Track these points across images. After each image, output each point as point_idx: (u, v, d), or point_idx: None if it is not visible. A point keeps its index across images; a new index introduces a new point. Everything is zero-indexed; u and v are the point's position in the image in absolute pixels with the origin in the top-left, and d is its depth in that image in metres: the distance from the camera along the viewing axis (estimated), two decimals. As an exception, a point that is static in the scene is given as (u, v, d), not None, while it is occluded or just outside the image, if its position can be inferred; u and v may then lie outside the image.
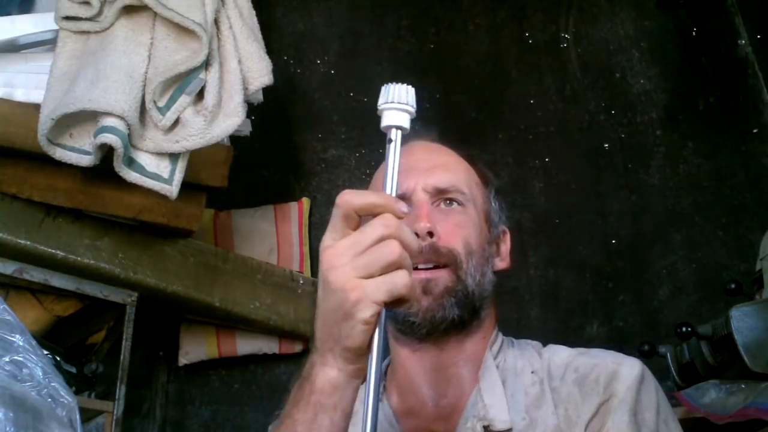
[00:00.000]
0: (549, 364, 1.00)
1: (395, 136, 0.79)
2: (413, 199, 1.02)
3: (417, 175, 1.03)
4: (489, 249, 1.06)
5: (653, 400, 0.95)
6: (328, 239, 0.77)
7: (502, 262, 1.10)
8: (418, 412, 1.01)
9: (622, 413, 0.92)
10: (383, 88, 0.80)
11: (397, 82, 0.80)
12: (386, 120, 0.79)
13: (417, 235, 0.94)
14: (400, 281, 0.73)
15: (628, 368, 0.96)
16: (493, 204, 1.11)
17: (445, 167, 1.06)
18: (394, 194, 0.77)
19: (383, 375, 1.08)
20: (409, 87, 0.79)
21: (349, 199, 0.76)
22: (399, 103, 0.79)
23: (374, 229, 0.74)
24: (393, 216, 0.75)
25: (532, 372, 1.00)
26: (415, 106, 0.79)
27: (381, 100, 0.79)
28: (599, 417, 0.93)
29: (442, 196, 1.03)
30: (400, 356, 1.04)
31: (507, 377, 1.00)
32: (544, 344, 1.07)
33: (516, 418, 0.94)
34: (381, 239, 0.73)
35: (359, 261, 0.73)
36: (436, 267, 0.98)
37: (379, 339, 0.75)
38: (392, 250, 0.73)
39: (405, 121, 0.79)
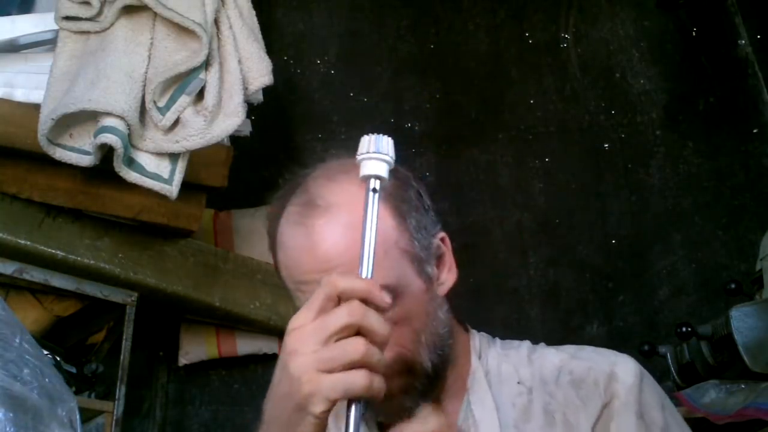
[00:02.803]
0: (540, 370, 0.96)
1: (375, 185, 0.78)
2: None
3: None
4: (433, 298, 0.95)
5: (656, 397, 0.93)
6: (299, 319, 0.73)
7: (448, 279, 0.98)
8: None
9: (627, 415, 0.90)
10: (362, 139, 0.79)
11: (376, 133, 0.80)
12: (365, 170, 0.79)
13: None
14: (358, 382, 0.70)
15: (624, 367, 0.94)
16: (417, 239, 0.94)
17: (348, 266, 0.85)
18: (372, 251, 0.75)
19: None
20: (388, 138, 0.79)
21: (335, 281, 0.73)
22: (378, 153, 0.78)
23: (339, 317, 0.71)
24: (360, 304, 0.72)
25: (519, 382, 0.96)
26: (393, 156, 0.79)
27: (360, 151, 0.79)
28: (603, 421, 0.91)
29: None
30: None
31: (491, 383, 0.96)
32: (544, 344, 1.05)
33: None
34: (345, 328, 0.71)
35: (321, 354, 0.71)
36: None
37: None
38: (356, 348, 0.70)
39: (384, 170, 0.79)
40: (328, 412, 0.71)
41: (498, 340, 1.03)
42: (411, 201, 0.96)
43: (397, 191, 0.95)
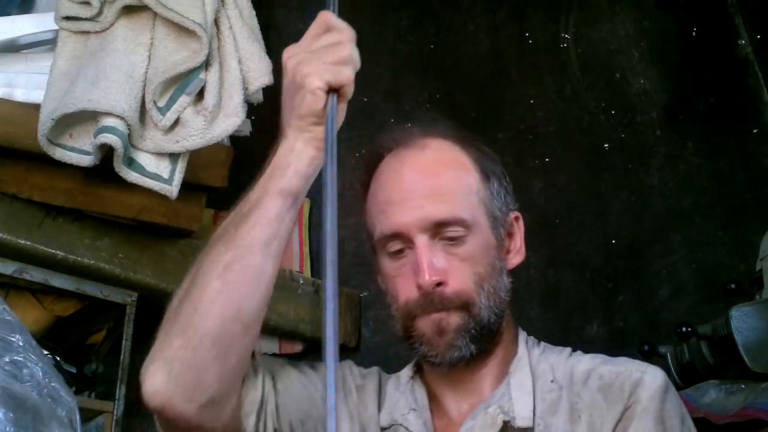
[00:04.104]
0: (572, 371, 1.00)
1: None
2: (412, 239, 0.99)
3: (410, 210, 0.99)
4: (500, 259, 1.05)
5: (678, 409, 0.95)
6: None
7: (516, 257, 1.09)
8: (443, 413, 1.04)
9: (647, 421, 0.92)
10: None
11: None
12: None
13: (420, 287, 0.96)
14: (345, 71, 0.89)
15: (652, 377, 0.96)
16: (496, 200, 1.06)
17: (441, 194, 1.00)
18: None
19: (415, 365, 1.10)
20: None
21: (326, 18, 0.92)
22: None
23: (331, 35, 0.91)
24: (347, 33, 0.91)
25: (552, 380, 1.00)
26: None
27: None
28: (622, 423, 0.93)
29: (442, 230, 0.99)
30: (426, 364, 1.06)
31: (532, 373, 1.02)
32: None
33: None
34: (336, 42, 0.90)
35: (314, 49, 0.90)
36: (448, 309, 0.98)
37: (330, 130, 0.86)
38: (343, 48, 0.90)
39: None
40: (323, 90, 0.88)
41: (542, 343, 1.09)
42: (496, 170, 1.09)
43: (486, 157, 1.09)
